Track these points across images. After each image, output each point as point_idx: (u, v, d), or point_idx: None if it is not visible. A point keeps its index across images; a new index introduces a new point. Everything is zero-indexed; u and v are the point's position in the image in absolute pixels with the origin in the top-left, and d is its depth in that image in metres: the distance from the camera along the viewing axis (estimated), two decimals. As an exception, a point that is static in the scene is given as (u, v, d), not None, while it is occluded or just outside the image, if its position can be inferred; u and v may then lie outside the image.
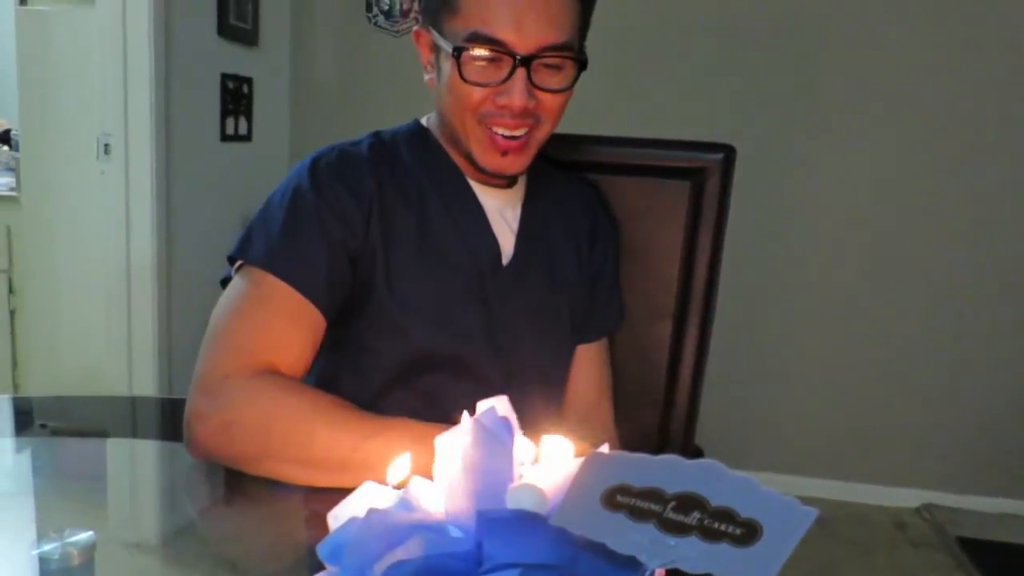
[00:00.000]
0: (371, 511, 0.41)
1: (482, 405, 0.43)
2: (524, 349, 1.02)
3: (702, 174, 1.23)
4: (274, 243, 0.91)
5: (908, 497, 2.82)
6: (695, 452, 2.77)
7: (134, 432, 1.08)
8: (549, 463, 0.40)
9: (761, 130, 2.71)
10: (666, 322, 1.26)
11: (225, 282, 0.96)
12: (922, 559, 2.50)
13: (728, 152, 1.22)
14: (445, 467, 0.42)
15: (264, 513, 0.88)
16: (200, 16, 2.40)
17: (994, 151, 2.64)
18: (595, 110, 2.36)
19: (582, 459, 0.33)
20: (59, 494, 0.88)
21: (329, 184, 0.95)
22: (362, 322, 0.96)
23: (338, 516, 0.45)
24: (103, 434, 1.08)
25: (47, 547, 0.59)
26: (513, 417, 0.42)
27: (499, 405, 0.42)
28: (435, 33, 0.95)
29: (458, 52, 0.90)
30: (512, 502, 0.37)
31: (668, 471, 0.33)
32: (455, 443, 0.42)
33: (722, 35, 2.73)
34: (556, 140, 1.22)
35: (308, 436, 0.82)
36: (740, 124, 2.66)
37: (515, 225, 1.04)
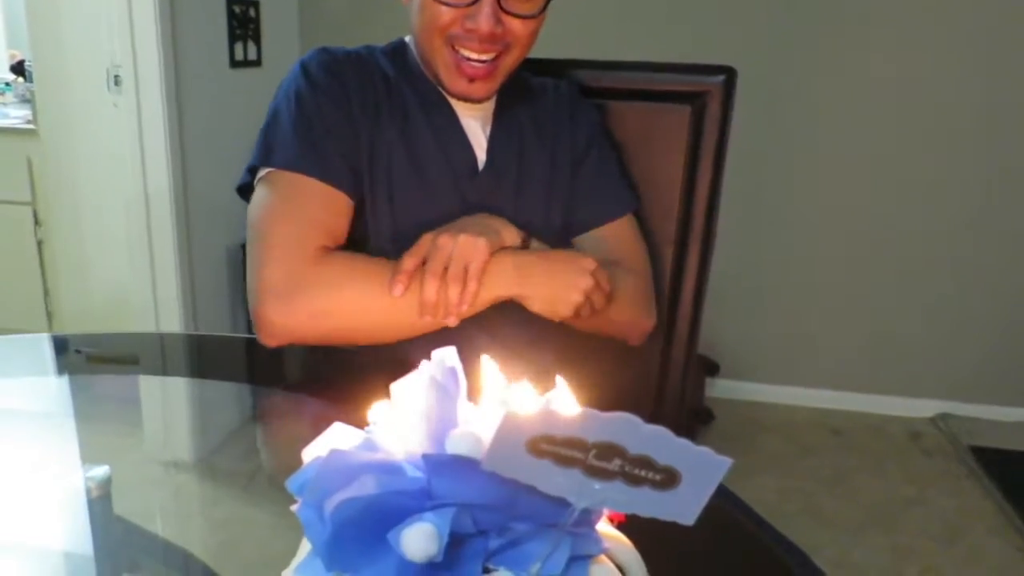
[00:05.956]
0: (332, 451, 0.44)
1: (435, 355, 0.45)
2: None
3: (703, 98, 1.21)
4: (293, 146, 0.97)
5: (924, 408, 2.85)
6: (709, 367, 2.81)
7: (164, 366, 1.13)
8: (490, 410, 0.43)
9: (763, 50, 2.63)
10: (667, 248, 1.26)
11: (242, 189, 1.03)
12: (933, 467, 2.55)
13: (729, 74, 1.20)
14: (401, 412, 0.45)
15: (294, 431, 0.93)
16: (201, -63, 2.36)
17: (1010, 63, 2.54)
18: (588, 32, 2.32)
19: (505, 413, 0.35)
20: (98, 419, 0.94)
21: (322, 78, 1.00)
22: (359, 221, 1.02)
23: (309, 454, 0.49)
24: (134, 360, 1.14)
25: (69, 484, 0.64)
26: (460, 368, 0.44)
27: (448, 356, 0.45)
28: None
29: None
30: (451, 447, 0.40)
31: (585, 423, 0.35)
32: (410, 389, 0.45)
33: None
34: (548, 64, 1.21)
35: (394, 307, 0.92)
36: (741, 44, 2.58)
37: (489, 133, 1.08)
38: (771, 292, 2.88)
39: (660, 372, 1.30)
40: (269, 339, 0.93)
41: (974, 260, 2.72)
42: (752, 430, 2.75)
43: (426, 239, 0.94)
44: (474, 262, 0.91)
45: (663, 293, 1.27)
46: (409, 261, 0.92)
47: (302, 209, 0.96)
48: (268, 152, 0.98)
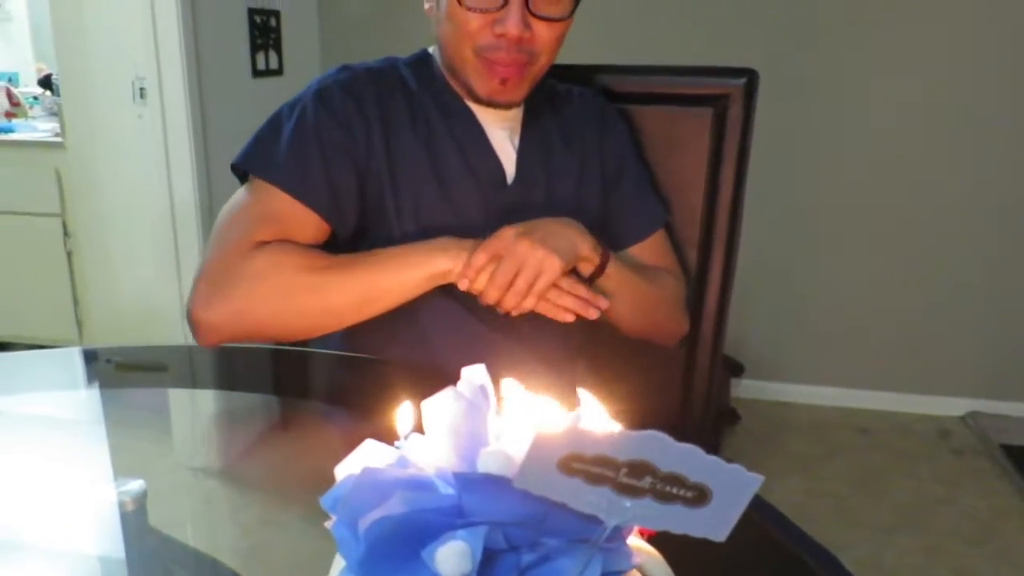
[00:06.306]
0: (365, 469, 0.44)
1: (465, 372, 0.46)
2: None
3: (724, 100, 1.21)
4: (281, 158, 0.96)
5: (954, 406, 2.82)
6: (734, 368, 2.78)
7: (193, 378, 1.14)
8: (523, 428, 0.43)
9: (784, 51, 2.60)
10: (691, 251, 1.26)
11: (235, 168, 1.01)
12: (964, 466, 2.52)
13: (751, 76, 1.20)
14: (432, 428, 0.46)
15: (315, 441, 0.94)
16: (222, -49, 2.38)
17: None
18: (610, 37, 2.31)
19: (536, 433, 0.36)
20: (128, 424, 0.95)
21: (335, 98, 0.98)
22: (375, 242, 1.00)
23: (342, 471, 0.49)
24: (163, 367, 1.15)
25: (101, 494, 0.65)
26: (490, 387, 0.45)
27: (477, 374, 0.45)
28: None
29: None
30: (482, 465, 0.41)
31: (616, 442, 0.35)
32: (440, 406, 0.46)
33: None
34: (571, 70, 1.21)
35: (320, 290, 0.91)
36: (762, 46, 2.56)
37: (517, 144, 1.07)
38: (795, 292, 2.85)
39: (686, 375, 1.30)
40: (200, 339, 0.92)
41: (1002, 256, 2.68)
42: (779, 430, 2.73)
43: (506, 236, 0.90)
44: (541, 280, 0.89)
45: (687, 296, 1.27)
46: (481, 257, 0.89)
47: (261, 210, 0.95)
48: (256, 157, 0.98)
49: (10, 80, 3.49)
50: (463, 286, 0.90)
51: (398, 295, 0.93)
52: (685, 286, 1.19)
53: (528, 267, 0.88)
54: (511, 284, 0.89)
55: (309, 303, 0.91)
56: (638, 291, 1.06)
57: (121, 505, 0.68)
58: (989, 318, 2.74)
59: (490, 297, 0.90)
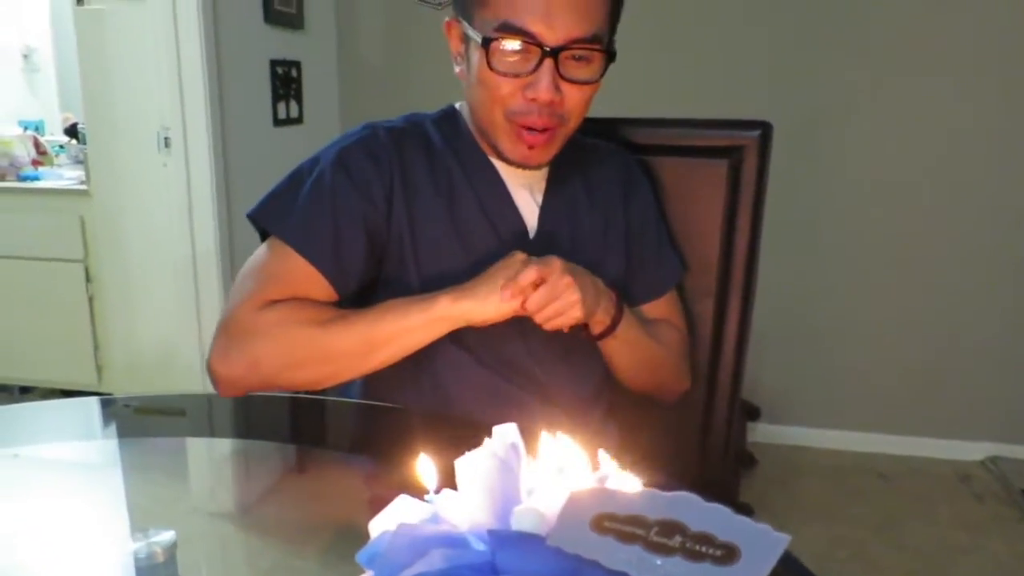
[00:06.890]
0: (401, 525, 0.46)
1: (496, 431, 0.47)
2: None
3: (739, 152, 1.23)
4: (296, 217, 0.98)
5: (974, 450, 2.79)
6: (750, 411, 2.77)
7: (211, 426, 1.15)
8: (555, 485, 0.44)
9: (798, 104, 2.65)
10: (707, 301, 1.28)
11: (252, 219, 1.03)
12: (985, 512, 2.48)
13: (765, 129, 1.22)
14: (466, 486, 0.47)
15: (332, 487, 0.95)
16: (246, 4, 2.46)
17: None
18: (629, 91, 2.36)
19: (570, 492, 0.37)
20: (145, 468, 0.97)
21: (353, 160, 1.00)
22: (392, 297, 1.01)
23: (376, 526, 0.50)
24: (181, 412, 1.16)
25: (133, 546, 0.66)
26: (521, 445, 0.46)
27: (509, 432, 0.47)
28: (465, 24, 0.97)
29: (487, 42, 0.92)
30: (516, 523, 0.42)
31: (647, 502, 0.37)
32: (474, 464, 0.47)
33: (754, 7, 2.66)
34: (592, 123, 1.24)
35: (325, 340, 0.93)
36: (776, 100, 2.61)
37: (540, 200, 1.08)
38: (811, 335, 2.85)
39: (704, 422, 1.31)
40: (219, 390, 0.95)
41: (1022, 299, 2.67)
42: (796, 475, 2.71)
43: (555, 266, 0.92)
44: (559, 320, 0.92)
45: (704, 344, 1.28)
46: (533, 273, 0.90)
47: (274, 268, 0.98)
48: (271, 215, 1.00)
49: (37, 129, 3.58)
50: (504, 297, 0.91)
51: (403, 342, 0.94)
52: (689, 340, 1.20)
53: (558, 304, 0.91)
54: (541, 308, 0.92)
55: (315, 354, 0.94)
56: (645, 350, 1.08)
57: (152, 556, 0.70)
58: (1009, 361, 2.72)
59: (531, 307, 0.92)
